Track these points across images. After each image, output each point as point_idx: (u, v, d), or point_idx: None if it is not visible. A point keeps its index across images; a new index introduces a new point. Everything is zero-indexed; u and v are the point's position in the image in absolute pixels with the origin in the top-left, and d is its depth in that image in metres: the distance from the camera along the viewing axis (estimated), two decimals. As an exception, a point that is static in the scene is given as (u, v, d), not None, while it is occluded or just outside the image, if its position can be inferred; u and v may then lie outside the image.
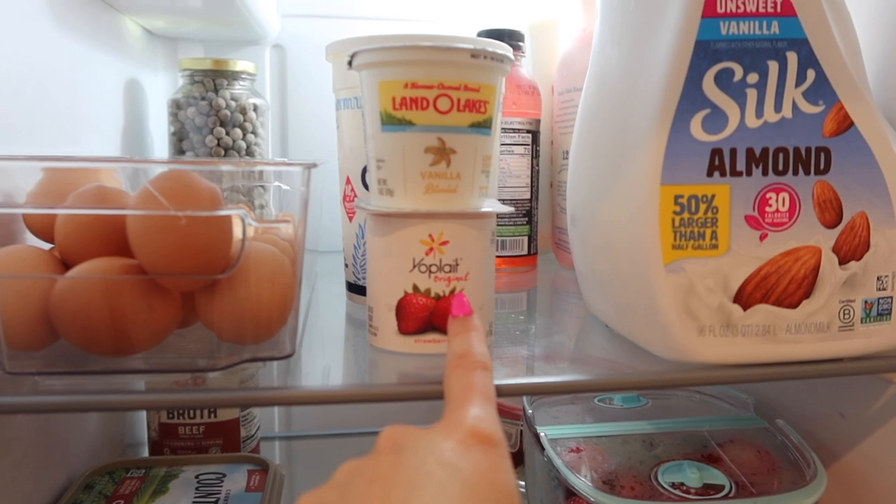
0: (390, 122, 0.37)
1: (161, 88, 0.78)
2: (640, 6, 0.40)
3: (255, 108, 0.70)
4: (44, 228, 0.41)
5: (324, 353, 0.43)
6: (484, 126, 0.38)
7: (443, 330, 0.39)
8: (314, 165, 0.36)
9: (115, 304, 0.34)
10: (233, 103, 0.69)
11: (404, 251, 0.38)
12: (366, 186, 0.49)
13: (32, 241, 0.41)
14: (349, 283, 0.52)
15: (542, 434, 0.50)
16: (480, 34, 0.65)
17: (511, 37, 0.65)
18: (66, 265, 0.36)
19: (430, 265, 0.38)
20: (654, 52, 0.38)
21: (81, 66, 0.57)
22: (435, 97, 0.37)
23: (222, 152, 0.68)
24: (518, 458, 0.64)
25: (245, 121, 0.69)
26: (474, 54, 0.37)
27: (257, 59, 0.82)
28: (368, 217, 0.40)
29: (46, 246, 0.42)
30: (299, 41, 0.82)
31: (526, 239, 0.64)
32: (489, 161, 0.40)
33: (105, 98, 0.63)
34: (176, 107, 0.69)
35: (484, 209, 0.39)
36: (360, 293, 0.51)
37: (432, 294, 0.38)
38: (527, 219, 0.64)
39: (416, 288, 0.38)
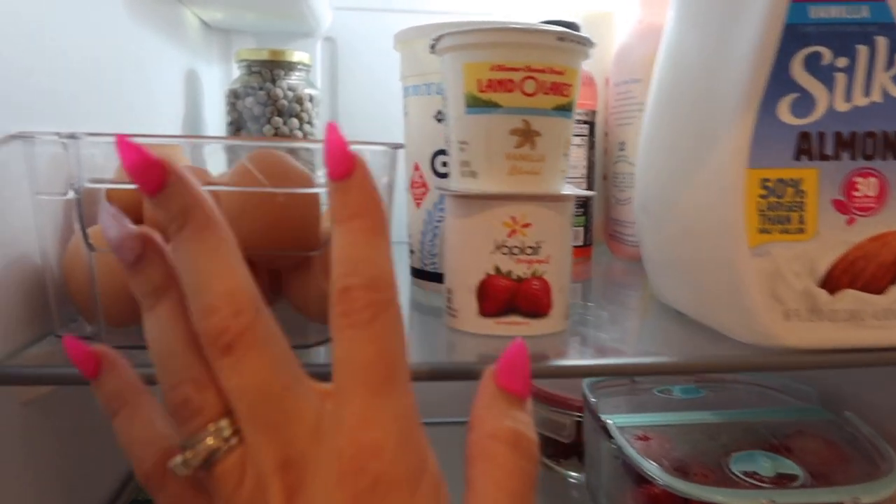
0: (475, 104, 0.38)
1: (215, 80, 0.79)
2: (722, -9, 0.40)
3: (311, 99, 0.71)
4: (128, 209, 0.42)
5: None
6: (567, 109, 0.38)
7: (524, 311, 0.39)
8: (400, 146, 0.37)
9: (206, 281, 0.35)
10: (290, 93, 0.69)
11: (486, 233, 0.38)
12: (436, 173, 0.49)
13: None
14: (415, 269, 0.53)
15: (609, 422, 0.50)
16: (538, 25, 0.66)
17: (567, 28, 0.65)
18: (154, 244, 0.37)
19: (513, 247, 0.38)
20: (739, 35, 0.38)
21: (150, 55, 0.58)
22: (521, 79, 0.37)
23: (279, 142, 0.69)
24: (571, 450, 0.64)
25: (301, 111, 0.70)
26: (560, 37, 0.37)
27: (308, 52, 0.83)
28: (450, 199, 0.40)
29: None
30: (351, 34, 0.83)
31: (582, 230, 0.64)
32: (569, 145, 0.40)
33: (169, 88, 0.64)
34: (234, 97, 0.70)
35: (566, 192, 0.39)
36: (428, 279, 0.51)
37: (514, 276, 0.39)
38: (583, 209, 0.64)
39: (497, 270, 0.38)
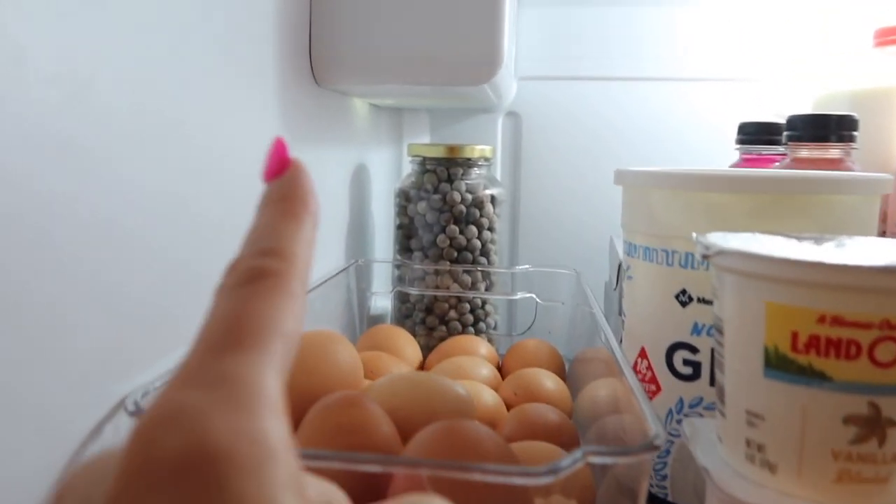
0: (784, 367, 0.24)
1: (384, 163, 0.71)
2: None
3: (493, 200, 0.60)
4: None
5: None
6: (940, 376, 0.23)
7: None
8: (652, 448, 0.23)
9: None
10: (468, 196, 0.58)
11: (787, 559, 0.24)
12: (673, 371, 0.36)
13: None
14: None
15: None
16: (793, 121, 0.50)
17: (840, 125, 0.48)
18: None
19: (830, 585, 0.24)
20: None
21: (314, 165, 0.49)
22: (872, 341, 0.22)
23: (454, 254, 0.59)
24: None
25: (481, 216, 0.59)
26: (950, 275, 0.22)
27: (488, 129, 0.72)
28: (720, 490, 0.26)
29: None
30: (537, 107, 0.71)
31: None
32: (932, 419, 0.25)
33: (334, 191, 0.55)
34: (405, 199, 0.60)
35: (929, 507, 0.24)
36: (652, 505, 0.38)
37: None
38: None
39: None
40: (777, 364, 0.24)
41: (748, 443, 0.25)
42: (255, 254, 0.16)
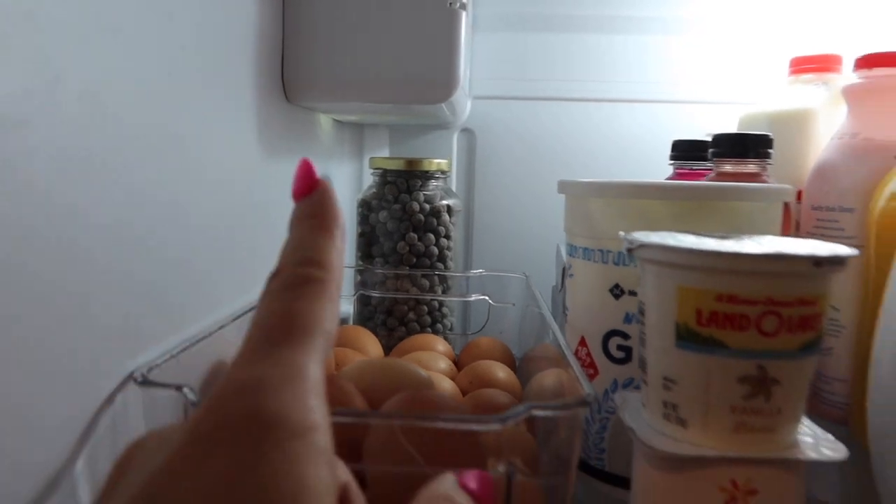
0: (691, 339, 0.29)
1: (347, 175, 0.75)
2: None
3: (449, 210, 0.64)
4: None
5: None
6: (815, 345, 0.29)
7: None
8: (584, 403, 0.28)
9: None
10: (426, 206, 0.63)
11: (696, 499, 0.29)
12: (608, 356, 0.41)
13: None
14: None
15: None
16: (717, 139, 0.56)
17: (757, 144, 0.54)
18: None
19: (731, 521, 0.29)
20: None
21: (285, 176, 0.53)
22: (759, 315, 0.28)
23: (413, 260, 0.63)
24: None
25: (438, 224, 0.64)
26: (818, 262, 0.27)
27: (444, 144, 0.77)
28: (643, 444, 0.31)
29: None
30: (490, 125, 0.76)
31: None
32: (809, 384, 0.30)
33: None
34: (366, 208, 0.64)
35: (809, 453, 0.29)
36: (593, 475, 0.43)
37: (731, 557, 0.29)
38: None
39: (709, 546, 0.29)
40: (686, 337, 0.29)
41: (665, 404, 0.30)
42: (297, 263, 0.19)
